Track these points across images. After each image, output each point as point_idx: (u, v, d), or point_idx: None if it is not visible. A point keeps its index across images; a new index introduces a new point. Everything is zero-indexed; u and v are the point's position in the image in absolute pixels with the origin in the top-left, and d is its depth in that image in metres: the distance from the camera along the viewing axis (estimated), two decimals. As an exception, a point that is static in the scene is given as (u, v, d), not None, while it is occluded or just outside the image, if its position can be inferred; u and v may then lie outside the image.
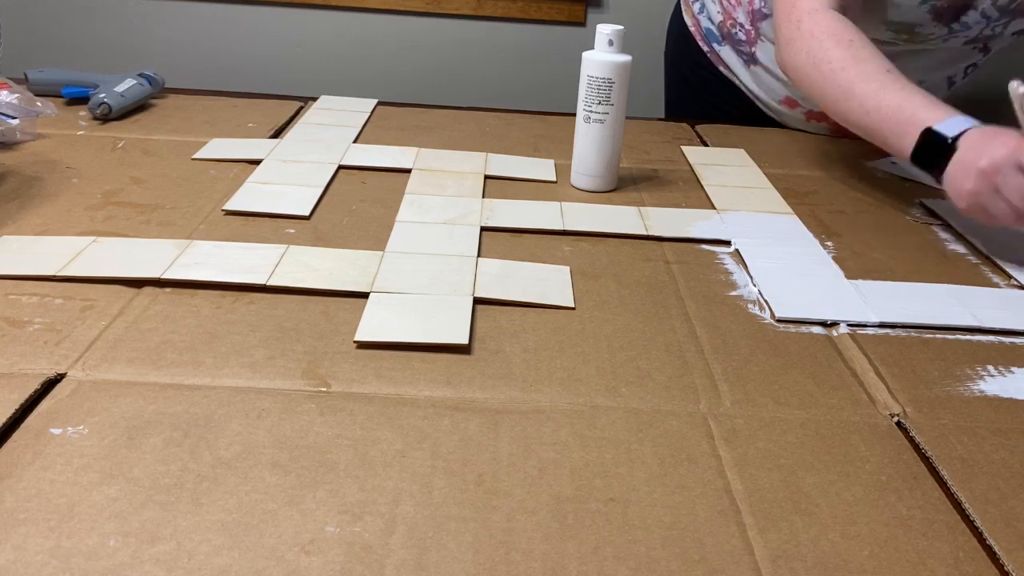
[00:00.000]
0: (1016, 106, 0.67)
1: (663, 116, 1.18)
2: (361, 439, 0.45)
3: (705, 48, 1.10)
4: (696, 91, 1.15)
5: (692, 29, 1.12)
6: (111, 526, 0.38)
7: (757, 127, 1.06)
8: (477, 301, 0.59)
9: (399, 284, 0.60)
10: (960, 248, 0.74)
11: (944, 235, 0.77)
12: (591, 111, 0.79)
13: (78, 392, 0.46)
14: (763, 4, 0.98)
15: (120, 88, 0.92)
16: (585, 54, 0.78)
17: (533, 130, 0.98)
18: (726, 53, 1.07)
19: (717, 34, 1.08)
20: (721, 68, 1.09)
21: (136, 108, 0.95)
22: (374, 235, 0.68)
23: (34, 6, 1.50)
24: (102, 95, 0.90)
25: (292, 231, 0.68)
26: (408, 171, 0.82)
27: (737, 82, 1.08)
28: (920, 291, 0.65)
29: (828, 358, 0.55)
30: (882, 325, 0.60)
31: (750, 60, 1.04)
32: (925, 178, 0.78)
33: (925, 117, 0.71)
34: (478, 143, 0.92)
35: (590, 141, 0.80)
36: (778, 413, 0.49)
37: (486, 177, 0.82)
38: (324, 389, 0.48)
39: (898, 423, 0.50)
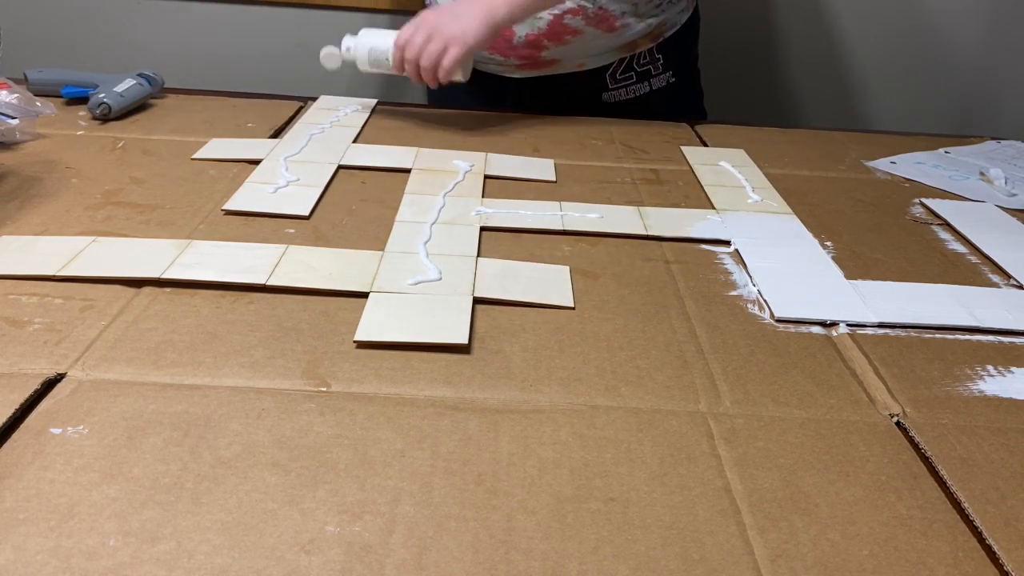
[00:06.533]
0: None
1: None
2: (361, 439, 0.45)
3: None
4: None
5: None
6: (111, 526, 0.38)
7: (757, 127, 1.06)
8: (477, 301, 0.59)
9: (399, 284, 0.60)
10: (960, 248, 0.75)
11: (944, 235, 0.77)
12: None
13: (78, 392, 0.46)
14: None
15: (120, 88, 0.92)
16: None
17: (533, 130, 0.98)
18: None
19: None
20: None
21: (136, 108, 0.95)
22: (374, 235, 0.68)
23: (34, 6, 1.50)
24: (102, 95, 0.90)
25: (292, 231, 0.68)
26: (408, 171, 0.82)
27: None
28: (919, 291, 0.65)
29: (828, 358, 0.55)
30: (881, 325, 0.60)
31: None
32: (924, 178, 0.77)
33: None
34: (478, 143, 0.92)
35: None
36: (778, 413, 0.49)
37: (486, 177, 0.82)
38: (324, 389, 0.49)
39: (898, 423, 0.50)
